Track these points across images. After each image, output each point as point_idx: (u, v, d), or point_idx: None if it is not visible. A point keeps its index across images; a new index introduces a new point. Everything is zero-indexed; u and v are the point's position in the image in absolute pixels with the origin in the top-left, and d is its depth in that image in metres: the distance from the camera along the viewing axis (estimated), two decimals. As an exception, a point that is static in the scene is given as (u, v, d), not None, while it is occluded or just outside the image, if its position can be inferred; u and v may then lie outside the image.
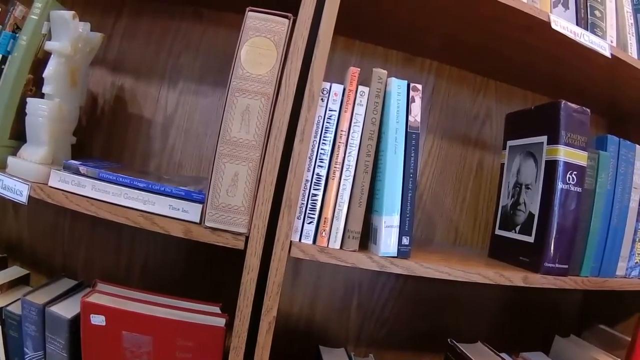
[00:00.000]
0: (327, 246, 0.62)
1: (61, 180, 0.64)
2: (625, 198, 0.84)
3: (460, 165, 0.95)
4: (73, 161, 0.65)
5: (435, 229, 0.93)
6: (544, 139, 0.75)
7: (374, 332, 0.94)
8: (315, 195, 0.62)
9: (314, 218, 0.61)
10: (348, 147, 0.62)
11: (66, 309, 0.68)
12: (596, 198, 0.80)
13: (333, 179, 0.62)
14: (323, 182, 0.62)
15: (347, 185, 0.62)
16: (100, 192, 0.63)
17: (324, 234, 0.61)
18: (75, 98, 0.75)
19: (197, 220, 0.62)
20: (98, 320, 0.66)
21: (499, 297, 1.03)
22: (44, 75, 0.69)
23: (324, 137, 0.62)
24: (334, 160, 0.62)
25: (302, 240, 0.62)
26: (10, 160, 0.68)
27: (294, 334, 0.91)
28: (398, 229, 0.63)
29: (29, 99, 0.69)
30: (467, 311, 1.00)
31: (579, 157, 0.74)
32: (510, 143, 0.82)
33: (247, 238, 0.60)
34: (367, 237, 0.67)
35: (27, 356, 0.70)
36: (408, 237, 0.63)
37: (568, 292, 1.08)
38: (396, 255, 0.63)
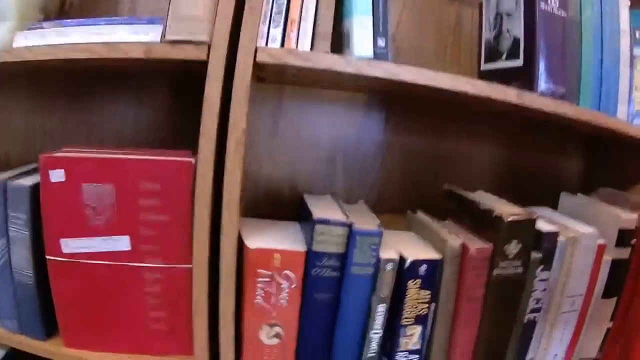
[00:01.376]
0: (297, 48, 0.57)
1: (25, 38, 0.63)
2: (614, 39, 0.79)
3: (438, 17, 0.89)
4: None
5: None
6: (519, -36, 0.71)
7: (364, 194, 0.88)
8: (279, -3, 0.57)
9: (279, 22, 0.57)
10: (311, -53, 0.59)
11: (29, 181, 0.63)
12: (584, 31, 0.76)
13: (297, -21, 0.58)
14: (287, -16, 0.58)
15: (312, -16, 0.58)
16: (63, 37, 0.62)
17: (291, 36, 0.57)
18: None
19: (158, 41, 0.58)
20: (57, 175, 0.60)
21: (496, 158, 0.97)
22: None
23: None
24: (297, -39, 0.58)
25: (269, 45, 0.57)
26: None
27: (278, 200, 0.86)
28: (372, 30, 0.58)
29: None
30: (461, 172, 0.93)
31: (558, -20, 0.70)
32: (486, -21, 0.78)
33: (209, 47, 0.56)
34: (339, 49, 0.62)
35: (-10, 250, 0.64)
36: (384, 39, 0.59)
37: (568, 158, 1.01)
38: (372, 57, 0.58)
